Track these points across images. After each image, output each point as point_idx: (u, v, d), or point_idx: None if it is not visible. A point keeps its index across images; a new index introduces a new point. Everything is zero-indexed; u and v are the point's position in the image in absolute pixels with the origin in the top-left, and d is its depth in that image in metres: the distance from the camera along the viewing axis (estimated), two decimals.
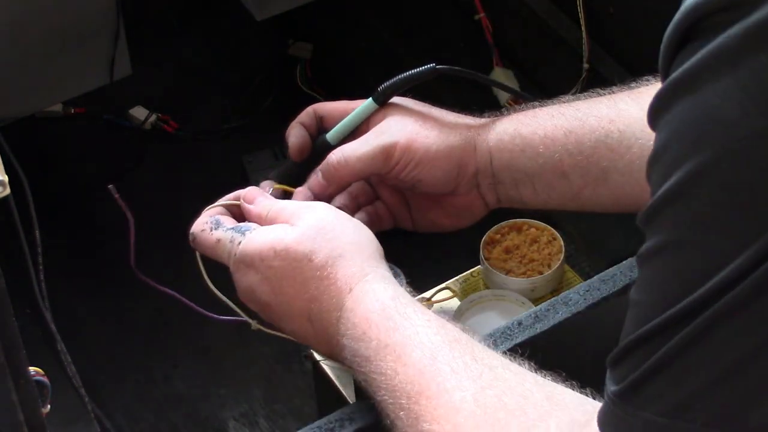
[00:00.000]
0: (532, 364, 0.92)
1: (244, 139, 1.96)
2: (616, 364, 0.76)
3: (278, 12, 1.88)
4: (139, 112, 1.98)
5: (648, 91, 1.14)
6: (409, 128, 1.14)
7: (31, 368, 0.79)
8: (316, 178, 1.15)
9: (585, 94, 1.18)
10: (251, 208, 1.09)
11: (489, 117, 1.17)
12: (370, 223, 1.12)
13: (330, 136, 1.17)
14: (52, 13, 1.69)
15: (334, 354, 1.00)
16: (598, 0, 1.65)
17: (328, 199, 1.14)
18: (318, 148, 1.17)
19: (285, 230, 1.02)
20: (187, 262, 1.81)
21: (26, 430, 0.79)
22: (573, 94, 1.19)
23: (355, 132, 1.17)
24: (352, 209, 1.16)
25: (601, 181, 1.13)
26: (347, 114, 1.17)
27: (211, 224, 1.08)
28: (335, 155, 1.13)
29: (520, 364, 0.91)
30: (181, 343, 1.71)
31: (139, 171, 1.94)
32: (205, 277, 1.09)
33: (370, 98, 1.15)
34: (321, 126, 1.19)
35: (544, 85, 1.73)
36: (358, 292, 0.97)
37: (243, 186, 1.73)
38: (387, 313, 0.94)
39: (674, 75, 0.67)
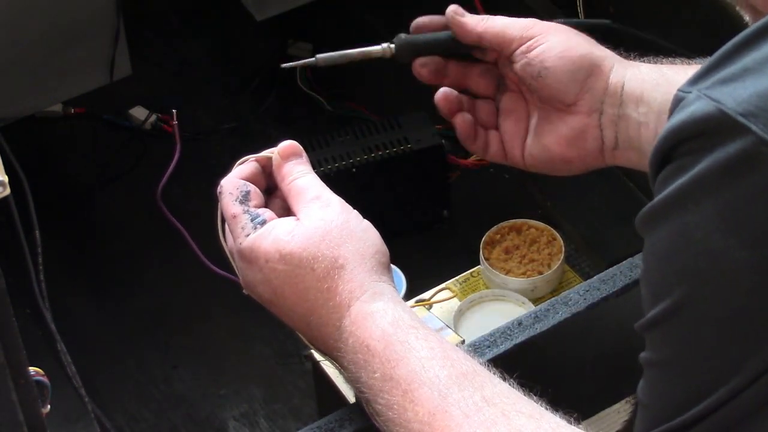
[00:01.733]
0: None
1: (244, 139, 1.96)
2: None
3: (278, 12, 1.88)
4: (139, 112, 1.98)
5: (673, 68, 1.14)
6: (555, 25, 1.15)
7: (31, 368, 0.79)
8: (458, 11, 1.14)
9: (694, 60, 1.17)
10: (281, 165, 1.06)
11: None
12: (486, 151, 1.11)
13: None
14: (52, 13, 1.69)
15: (333, 359, 1.00)
16: (598, 0, 1.65)
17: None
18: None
19: (292, 230, 0.99)
20: (187, 261, 1.82)
21: (26, 430, 0.79)
22: None
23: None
24: (471, 134, 1.15)
25: None
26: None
27: (239, 193, 1.05)
28: (481, 17, 1.13)
29: (532, 398, 0.90)
30: (181, 343, 1.71)
31: (139, 171, 1.93)
32: (219, 228, 1.06)
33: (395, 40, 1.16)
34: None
35: None
36: (356, 313, 0.95)
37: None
38: (389, 341, 0.93)
39: (661, 197, 0.69)
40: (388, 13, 2.00)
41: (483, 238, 1.33)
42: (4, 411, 0.77)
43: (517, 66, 1.11)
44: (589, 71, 1.10)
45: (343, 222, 1.00)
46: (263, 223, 1.01)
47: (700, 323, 0.69)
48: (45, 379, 0.84)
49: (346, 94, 1.96)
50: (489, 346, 1.08)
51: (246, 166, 1.07)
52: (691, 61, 1.13)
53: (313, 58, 1.17)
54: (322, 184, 1.04)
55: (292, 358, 1.69)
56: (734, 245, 0.65)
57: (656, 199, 0.70)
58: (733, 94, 0.66)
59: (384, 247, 1.01)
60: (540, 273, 1.29)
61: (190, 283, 1.78)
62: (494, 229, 1.34)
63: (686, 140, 0.67)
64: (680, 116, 0.68)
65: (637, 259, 1.15)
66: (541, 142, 1.14)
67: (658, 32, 1.56)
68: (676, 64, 1.13)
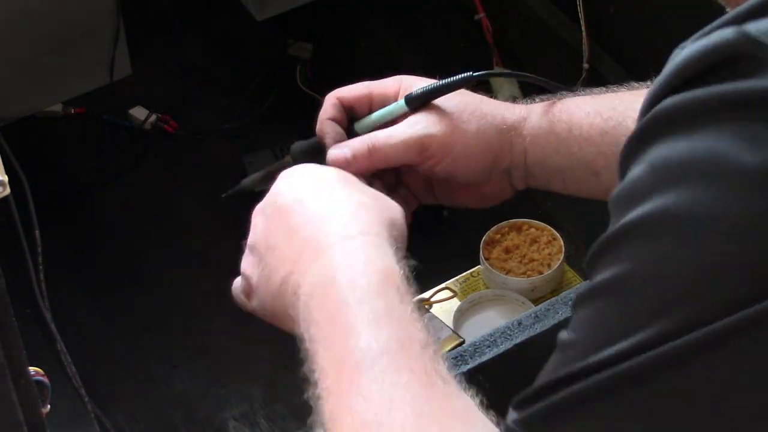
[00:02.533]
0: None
1: (244, 139, 1.96)
2: (528, 402, 0.71)
3: (278, 12, 1.88)
4: (139, 112, 1.98)
5: None
6: (446, 120, 1.10)
7: (31, 368, 0.79)
8: (342, 153, 1.11)
9: (623, 86, 1.16)
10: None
11: (524, 104, 1.16)
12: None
13: (359, 127, 1.15)
14: (52, 13, 1.69)
15: (292, 300, 0.95)
16: (598, 0, 1.65)
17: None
18: (350, 135, 1.16)
19: (315, 172, 1.02)
20: (187, 261, 1.82)
21: (26, 430, 0.79)
22: (574, 92, 1.18)
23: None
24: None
25: None
26: (371, 100, 1.16)
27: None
28: (369, 141, 1.11)
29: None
30: (181, 343, 1.71)
31: (139, 171, 1.94)
32: None
33: (403, 100, 1.12)
34: (351, 114, 1.18)
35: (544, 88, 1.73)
36: (359, 244, 0.91)
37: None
38: (384, 278, 0.89)
39: (659, 110, 0.62)
40: (388, 13, 2.00)
41: (483, 238, 1.33)
42: (4, 411, 0.77)
43: (422, 172, 1.13)
44: (494, 159, 1.12)
45: (342, 176, 1.02)
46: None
47: (682, 229, 0.61)
48: (45, 379, 0.84)
49: None
50: (489, 346, 1.08)
51: (332, 106, 1.12)
52: (582, 90, 1.14)
53: (239, 184, 1.20)
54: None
55: (292, 358, 1.69)
56: (744, 151, 0.58)
57: (648, 117, 0.63)
58: (758, 26, 0.57)
59: (404, 223, 1.00)
60: (540, 273, 1.29)
61: (190, 283, 1.78)
62: (494, 229, 1.33)
63: (697, 77, 0.59)
64: (684, 54, 0.60)
65: None
66: (453, 199, 1.16)
67: (658, 32, 1.56)
68: (570, 98, 1.14)
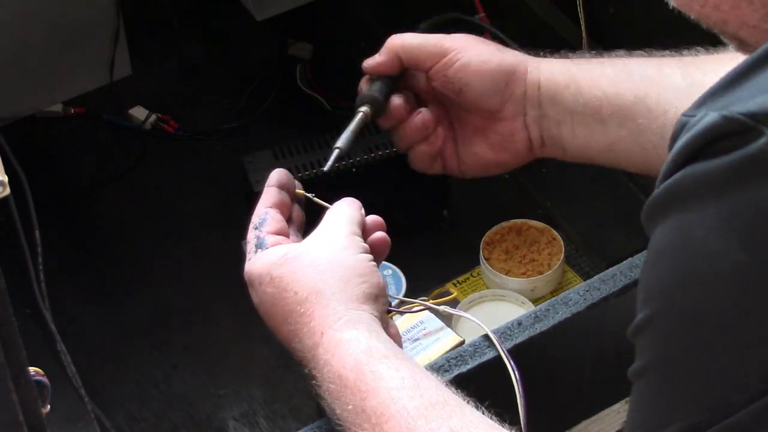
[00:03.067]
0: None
1: (244, 139, 1.96)
2: None
3: (278, 12, 1.87)
4: (139, 112, 1.98)
5: (695, 62, 1.16)
6: (466, 38, 1.19)
7: (31, 368, 0.79)
8: (373, 59, 1.23)
9: (636, 52, 1.20)
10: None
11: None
12: (426, 161, 1.17)
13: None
14: (52, 14, 1.69)
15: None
16: (598, 0, 1.65)
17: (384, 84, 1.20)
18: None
19: (285, 254, 1.03)
20: (187, 261, 1.82)
21: (26, 430, 0.79)
22: None
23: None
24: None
25: (636, 136, 1.14)
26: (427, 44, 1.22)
27: (257, 220, 1.10)
28: (397, 36, 1.20)
29: (508, 428, 0.90)
30: (181, 343, 1.71)
31: (139, 171, 1.93)
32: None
33: (361, 112, 1.21)
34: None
35: None
36: (329, 340, 0.97)
37: (242, 185, 1.73)
38: (360, 371, 0.93)
39: (663, 187, 0.68)
40: (388, 13, 2.00)
41: (483, 238, 1.33)
42: (4, 411, 0.77)
43: (437, 84, 1.16)
44: (507, 79, 1.15)
45: (336, 250, 1.02)
46: (264, 247, 1.05)
47: (687, 329, 0.67)
48: (45, 379, 0.84)
49: (346, 94, 1.96)
50: (489, 346, 1.08)
51: (273, 194, 1.12)
52: (598, 53, 1.19)
53: (336, 149, 1.24)
54: (344, 216, 1.07)
55: (292, 358, 1.69)
56: (734, 248, 0.64)
57: (658, 191, 0.69)
58: (741, 103, 0.65)
59: (376, 279, 1.01)
60: (540, 273, 1.29)
61: (190, 283, 1.78)
62: (494, 229, 1.34)
63: (694, 155, 0.66)
64: (686, 136, 0.67)
65: (637, 259, 1.16)
66: (472, 150, 1.18)
67: (658, 32, 1.56)
68: (585, 57, 1.20)
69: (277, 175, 1.15)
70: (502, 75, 1.15)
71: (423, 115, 1.20)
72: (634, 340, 0.72)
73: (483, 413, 0.90)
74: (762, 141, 0.63)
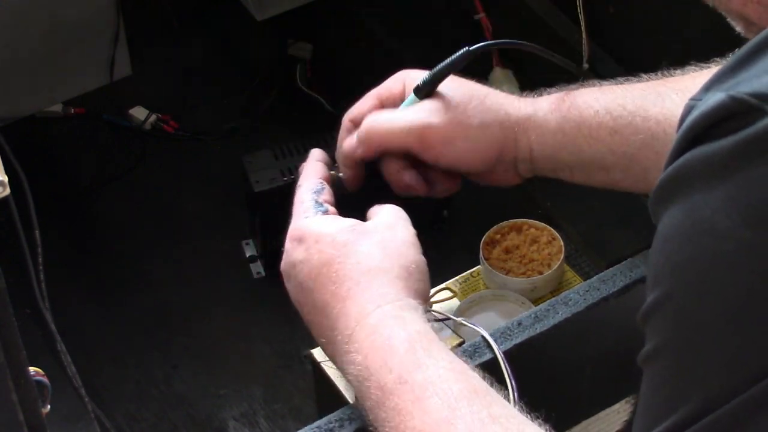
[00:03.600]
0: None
1: (244, 139, 1.96)
2: None
3: (278, 12, 1.88)
4: (139, 112, 1.98)
5: (696, 87, 1.12)
6: (449, 113, 1.11)
7: (31, 368, 0.79)
8: (350, 138, 1.13)
9: (625, 79, 1.16)
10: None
11: (530, 98, 1.15)
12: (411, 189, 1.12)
13: None
14: (52, 14, 1.69)
15: (336, 360, 1.00)
16: (598, 0, 1.65)
17: (358, 161, 1.13)
18: None
19: (352, 226, 1.01)
20: (187, 261, 1.82)
21: (26, 430, 0.79)
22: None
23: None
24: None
25: (641, 177, 1.12)
26: (382, 106, 1.16)
27: (314, 185, 1.07)
28: (369, 120, 1.12)
29: (540, 424, 0.90)
30: (181, 343, 1.71)
31: (139, 171, 1.94)
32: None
33: (412, 95, 1.13)
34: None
35: (544, 85, 1.73)
36: (386, 312, 0.96)
37: (242, 185, 1.73)
38: (413, 345, 0.93)
39: (669, 171, 0.68)
40: (388, 13, 2.00)
41: (483, 238, 1.33)
42: (4, 411, 0.77)
43: (425, 160, 1.13)
44: (498, 153, 1.13)
45: (404, 241, 1.02)
46: (326, 212, 1.03)
47: (698, 307, 0.67)
48: (45, 379, 0.84)
49: (346, 94, 1.96)
50: (488, 347, 1.08)
51: (323, 170, 1.10)
52: (602, 82, 1.15)
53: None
54: (405, 216, 1.07)
55: (292, 358, 1.69)
56: (739, 225, 0.64)
57: (666, 172, 0.68)
58: (747, 83, 0.65)
59: (428, 283, 1.02)
60: (540, 273, 1.29)
61: (190, 283, 1.78)
62: (494, 229, 1.33)
63: (700, 136, 0.66)
64: (693, 116, 0.67)
65: (637, 260, 1.15)
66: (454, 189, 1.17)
67: (658, 32, 1.56)
68: (577, 99, 1.14)
69: (320, 153, 1.13)
70: (492, 154, 1.12)
71: (408, 180, 1.16)
72: (644, 324, 0.72)
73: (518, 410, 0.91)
74: (766, 121, 0.63)
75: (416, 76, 1.13)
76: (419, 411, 0.89)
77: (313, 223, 1.02)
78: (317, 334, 1.01)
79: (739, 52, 0.68)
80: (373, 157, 1.13)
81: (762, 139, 0.63)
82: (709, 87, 0.68)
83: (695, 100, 0.68)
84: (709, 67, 1.11)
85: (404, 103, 1.14)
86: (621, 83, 1.14)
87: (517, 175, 1.16)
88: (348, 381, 0.98)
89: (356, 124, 1.15)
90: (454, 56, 1.11)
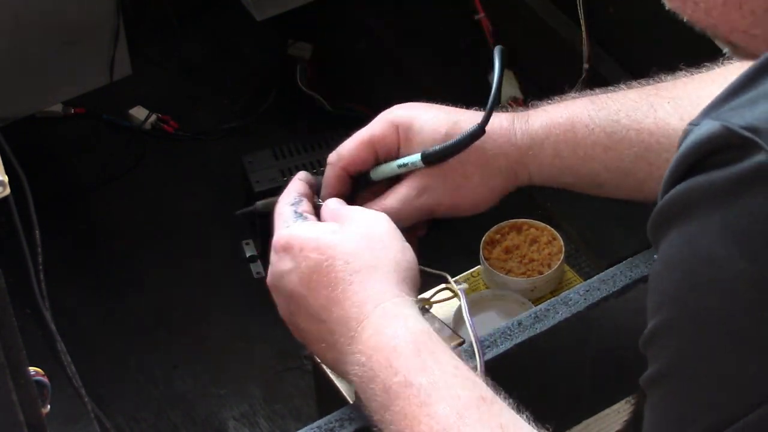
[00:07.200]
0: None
1: (244, 139, 1.96)
2: None
3: (278, 12, 1.87)
4: (139, 112, 1.98)
5: (687, 95, 1.13)
6: (451, 181, 1.13)
7: (31, 368, 0.79)
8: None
9: (617, 87, 1.16)
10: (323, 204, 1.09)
11: (523, 117, 1.15)
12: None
13: (374, 174, 1.15)
14: (52, 13, 1.69)
15: (337, 364, 0.99)
16: (598, 0, 1.65)
17: None
18: (358, 180, 1.16)
19: (333, 229, 1.01)
20: (187, 261, 1.82)
21: (26, 430, 0.79)
22: (574, 92, 1.18)
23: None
24: None
25: (636, 188, 1.13)
26: (376, 155, 1.15)
27: (292, 198, 1.07)
28: (380, 205, 1.11)
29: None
30: (181, 343, 1.71)
31: (139, 171, 1.94)
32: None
33: (419, 158, 1.12)
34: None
35: (544, 85, 1.73)
36: (385, 311, 0.95)
37: (242, 185, 1.73)
38: (418, 347, 0.93)
39: (667, 198, 0.69)
40: (388, 13, 2.00)
41: (483, 238, 1.33)
42: (4, 411, 0.77)
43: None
44: (500, 194, 1.14)
45: (386, 232, 1.01)
46: (305, 219, 1.02)
47: (699, 335, 0.69)
48: (45, 379, 0.84)
49: (346, 94, 1.96)
50: (489, 346, 1.08)
51: (302, 185, 1.10)
52: (594, 91, 1.15)
53: (254, 206, 1.18)
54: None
55: (292, 358, 1.69)
56: (735, 255, 0.66)
57: (663, 202, 0.70)
58: (741, 114, 0.67)
59: (417, 271, 1.02)
60: (540, 273, 1.29)
61: (190, 283, 1.78)
62: (494, 229, 1.33)
63: (696, 164, 0.68)
64: (687, 144, 0.69)
65: (637, 259, 1.15)
66: (458, 208, 1.17)
67: (658, 33, 1.56)
68: (565, 112, 1.14)
69: (305, 175, 1.14)
70: (494, 198, 1.15)
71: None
72: (646, 349, 0.73)
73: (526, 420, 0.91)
74: (760, 157, 0.65)
75: (409, 124, 1.13)
76: (426, 416, 0.88)
77: (294, 230, 1.02)
78: (314, 340, 1.01)
79: (736, 79, 0.69)
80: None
81: (755, 174, 0.65)
82: (707, 112, 0.69)
83: (693, 125, 0.69)
84: (699, 72, 1.12)
85: (406, 162, 1.13)
86: (614, 92, 1.15)
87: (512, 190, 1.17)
88: (350, 383, 0.98)
89: (350, 172, 1.15)
90: (466, 134, 1.11)
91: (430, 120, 1.12)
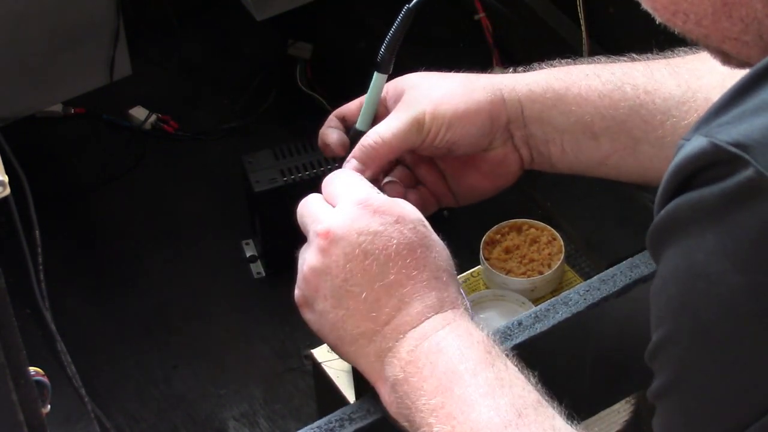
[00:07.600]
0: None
1: (244, 139, 1.96)
2: None
3: (278, 12, 1.87)
4: (139, 112, 1.98)
5: (685, 64, 1.13)
6: (433, 94, 1.11)
7: (31, 368, 0.79)
8: (351, 165, 1.09)
9: (620, 58, 1.17)
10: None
11: (515, 71, 1.16)
12: (420, 207, 1.04)
13: (359, 124, 1.15)
14: (52, 13, 1.69)
15: (380, 337, 0.96)
16: (598, 0, 1.65)
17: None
18: (352, 140, 1.15)
19: (424, 221, 1.00)
20: (187, 261, 1.82)
21: (26, 430, 0.79)
22: None
23: (377, 116, 1.15)
24: (401, 192, 1.12)
25: (630, 149, 1.12)
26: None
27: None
28: (370, 136, 1.10)
29: None
30: (181, 343, 1.71)
31: (139, 171, 1.94)
32: None
33: (375, 72, 1.13)
34: (346, 125, 1.18)
35: None
36: (454, 318, 0.96)
37: (242, 185, 1.73)
38: (488, 347, 0.94)
39: (662, 216, 0.71)
40: (388, 13, 2.00)
41: (483, 238, 1.33)
42: (4, 411, 0.77)
43: (427, 152, 1.13)
44: (490, 117, 1.12)
45: (437, 240, 1.02)
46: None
47: (700, 348, 0.70)
48: (45, 379, 0.84)
49: (346, 94, 1.96)
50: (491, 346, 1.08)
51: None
52: (572, 61, 1.16)
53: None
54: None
55: (292, 358, 1.69)
56: (729, 269, 0.67)
57: (658, 219, 0.71)
58: (728, 130, 0.68)
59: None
60: (540, 273, 1.29)
61: (190, 283, 1.78)
62: (494, 229, 1.33)
63: (687, 180, 0.69)
64: (677, 160, 0.70)
65: (637, 260, 1.15)
66: (465, 184, 1.16)
67: (658, 33, 1.56)
68: (563, 66, 1.15)
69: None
70: (484, 118, 1.11)
71: (414, 199, 1.15)
72: (651, 362, 0.75)
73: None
74: (747, 172, 0.66)
75: (347, 107, 1.16)
76: (486, 407, 0.90)
77: (390, 200, 0.98)
78: (362, 311, 0.96)
79: (725, 93, 0.70)
80: (378, 171, 1.12)
81: (744, 189, 0.66)
82: (697, 128, 0.70)
83: (685, 140, 0.71)
84: (699, 52, 1.12)
85: (371, 86, 1.15)
86: (612, 61, 1.16)
87: (514, 150, 1.14)
88: (383, 365, 0.95)
89: (341, 119, 1.16)
90: (398, 19, 1.13)
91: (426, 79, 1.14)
